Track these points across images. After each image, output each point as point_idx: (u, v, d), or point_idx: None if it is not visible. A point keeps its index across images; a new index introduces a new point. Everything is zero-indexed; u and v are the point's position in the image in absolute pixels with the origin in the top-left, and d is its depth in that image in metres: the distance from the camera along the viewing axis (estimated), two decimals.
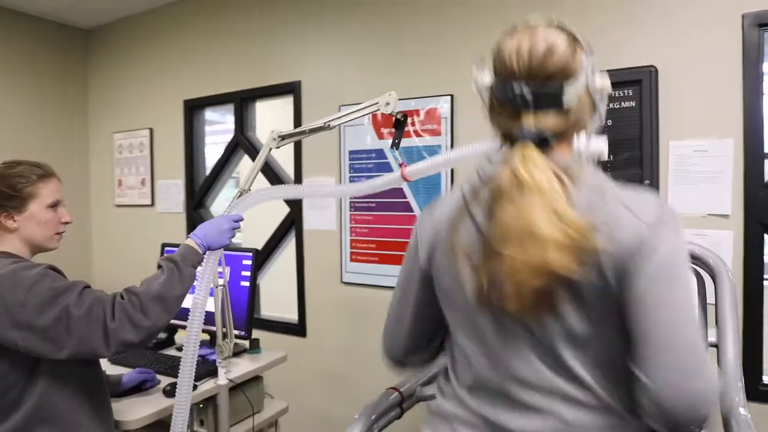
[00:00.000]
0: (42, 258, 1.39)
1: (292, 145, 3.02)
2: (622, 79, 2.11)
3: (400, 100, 1.52)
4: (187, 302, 1.38)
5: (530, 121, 0.89)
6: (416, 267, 1.05)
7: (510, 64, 0.90)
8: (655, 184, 2.08)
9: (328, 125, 1.59)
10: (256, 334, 2.32)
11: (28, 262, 1.34)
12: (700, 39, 2.01)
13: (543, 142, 0.89)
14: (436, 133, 2.57)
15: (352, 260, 2.86)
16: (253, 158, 3.15)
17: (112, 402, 1.55)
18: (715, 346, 1.39)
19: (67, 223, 1.46)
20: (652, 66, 2.07)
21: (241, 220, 1.48)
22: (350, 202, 2.84)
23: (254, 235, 3.39)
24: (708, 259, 1.55)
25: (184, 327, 1.42)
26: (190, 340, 1.37)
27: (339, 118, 1.63)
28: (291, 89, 3.02)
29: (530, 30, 0.92)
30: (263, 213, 3.37)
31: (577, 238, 0.80)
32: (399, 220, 2.69)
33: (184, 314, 1.38)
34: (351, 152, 2.83)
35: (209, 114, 3.66)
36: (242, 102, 3.24)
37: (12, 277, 1.25)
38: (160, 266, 1.34)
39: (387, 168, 2.70)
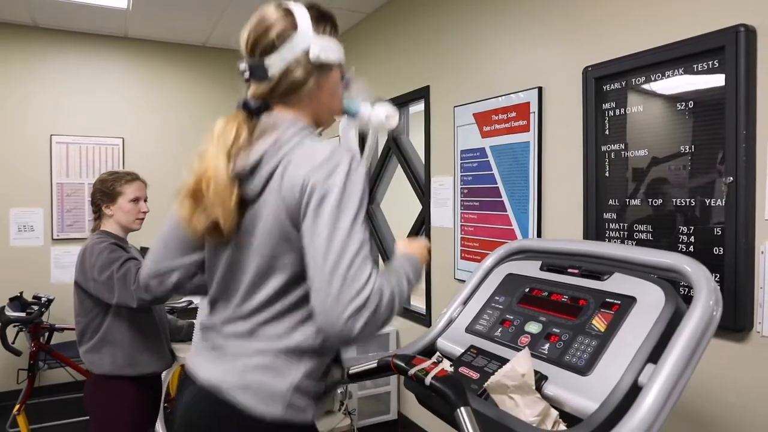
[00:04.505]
0: None
1: (423, 146, 3.22)
2: (697, 50, 1.68)
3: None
4: None
5: (250, 92, 1.07)
6: None
7: (240, 44, 1.07)
8: (749, 186, 1.58)
9: None
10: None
11: (104, 237, 1.96)
12: None
13: (248, 108, 1.05)
14: (525, 129, 2.41)
15: (462, 258, 2.89)
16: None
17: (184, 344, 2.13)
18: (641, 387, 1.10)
19: (145, 212, 2.07)
20: (740, 25, 1.58)
21: None
22: (461, 200, 2.88)
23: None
24: (684, 267, 1.21)
25: None
26: (202, 303, 1.80)
27: None
28: (421, 95, 3.20)
29: (257, 11, 1.06)
30: (403, 211, 3.66)
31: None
32: (495, 219, 2.62)
33: None
34: (462, 151, 2.86)
35: None
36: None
37: (92, 247, 1.91)
38: None
39: (488, 166, 2.65)
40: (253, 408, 0.98)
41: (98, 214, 2.05)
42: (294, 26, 1.02)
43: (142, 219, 2.07)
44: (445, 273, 3.03)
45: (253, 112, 1.05)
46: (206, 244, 1.13)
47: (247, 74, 1.05)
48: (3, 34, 3.91)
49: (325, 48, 1.04)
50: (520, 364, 1.17)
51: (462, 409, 1.08)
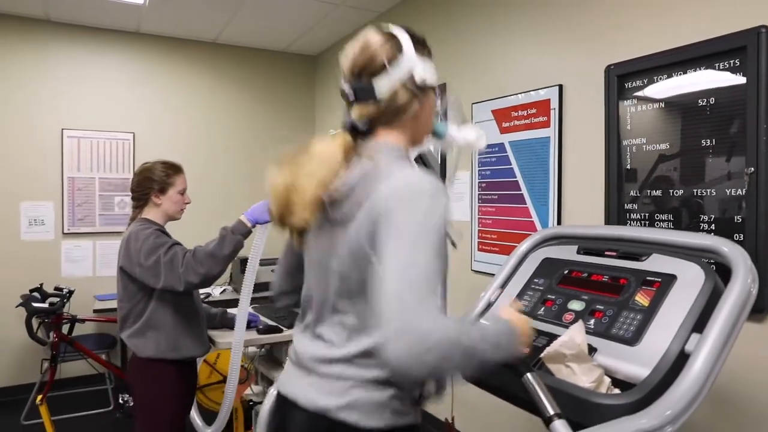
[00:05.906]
0: None
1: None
2: (718, 50, 1.80)
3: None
4: None
5: (354, 113, 1.08)
6: None
7: (341, 67, 1.11)
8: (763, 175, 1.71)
9: None
10: None
11: (148, 224, 2.02)
12: None
13: (356, 129, 1.08)
14: (545, 125, 2.52)
15: (479, 250, 2.99)
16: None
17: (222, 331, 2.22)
18: (688, 355, 1.20)
19: (187, 203, 2.14)
20: (762, 26, 1.70)
21: None
22: (478, 194, 2.98)
23: None
24: (722, 247, 1.31)
25: None
26: (244, 292, 1.89)
27: None
28: (439, 92, 3.29)
29: (359, 35, 1.10)
30: None
31: (318, 193, 1.00)
32: (514, 212, 2.73)
33: None
34: None
35: None
36: None
37: (137, 233, 1.97)
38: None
39: (506, 161, 2.76)
40: (362, 423, 1.00)
41: (143, 203, 2.10)
42: (399, 49, 1.05)
43: (184, 209, 2.14)
44: (462, 265, 3.13)
45: (360, 133, 1.07)
46: (304, 264, 1.18)
47: (351, 96, 1.07)
48: (16, 28, 3.93)
49: (427, 70, 1.07)
50: (576, 334, 1.27)
51: (529, 374, 1.17)
